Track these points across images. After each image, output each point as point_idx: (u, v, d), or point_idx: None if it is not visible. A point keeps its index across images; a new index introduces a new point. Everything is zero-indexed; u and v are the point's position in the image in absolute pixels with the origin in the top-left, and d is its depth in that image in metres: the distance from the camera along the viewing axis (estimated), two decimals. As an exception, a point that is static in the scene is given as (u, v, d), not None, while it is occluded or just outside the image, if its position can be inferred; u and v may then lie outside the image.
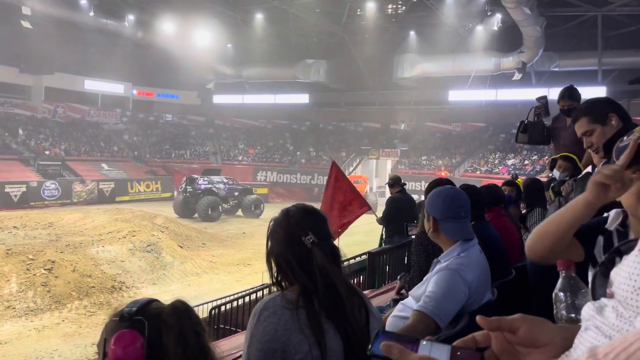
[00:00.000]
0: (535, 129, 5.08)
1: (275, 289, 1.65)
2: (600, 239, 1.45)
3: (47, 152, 32.61)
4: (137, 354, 1.22)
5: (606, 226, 1.46)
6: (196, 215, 25.80)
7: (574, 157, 4.34)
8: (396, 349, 0.83)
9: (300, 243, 1.57)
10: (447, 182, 3.27)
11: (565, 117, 4.86)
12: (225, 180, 28.07)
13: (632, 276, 0.86)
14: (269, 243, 1.64)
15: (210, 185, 26.83)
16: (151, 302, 1.32)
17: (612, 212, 1.48)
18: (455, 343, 0.87)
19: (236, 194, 28.03)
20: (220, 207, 26.36)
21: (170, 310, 1.30)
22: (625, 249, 1.01)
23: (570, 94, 4.75)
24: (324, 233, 1.61)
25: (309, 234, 1.57)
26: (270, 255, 1.63)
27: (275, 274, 1.62)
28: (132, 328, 1.23)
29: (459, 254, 2.31)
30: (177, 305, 1.31)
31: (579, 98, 4.77)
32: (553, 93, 5.32)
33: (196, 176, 27.90)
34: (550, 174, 4.50)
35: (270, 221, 1.68)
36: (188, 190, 26.41)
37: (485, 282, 2.36)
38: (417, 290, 2.38)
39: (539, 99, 5.11)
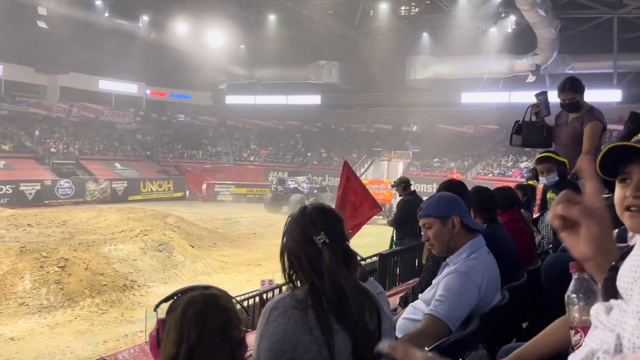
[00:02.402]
0: (532, 129, 4.61)
1: (287, 288, 1.66)
2: None
3: (52, 150, 32.83)
4: (153, 341, 1.39)
5: None
6: (283, 210, 27.70)
7: (551, 154, 3.96)
8: (402, 348, 0.88)
9: (312, 242, 1.56)
10: (458, 183, 3.25)
11: (568, 113, 4.45)
12: (307, 180, 31.58)
13: (633, 267, 0.90)
14: (284, 239, 1.65)
15: (296, 185, 30.28)
16: (186, 292, 1.42)
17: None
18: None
19: (315, 191, 30.70)
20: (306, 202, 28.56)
21: (182, 305, 1.37)
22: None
23: (571, 86, 4.31)
24: (337, 234, 1.61)
25: (320, 234, 1.57)
26: (283, 250, 1.63)
27: (288, 270, 1.62)
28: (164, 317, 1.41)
29: (467, 255, 2.30)
30: (192, 302, 1.36)
31: (582, 90, 4.34)
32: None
33: (285, 177, 32.24)
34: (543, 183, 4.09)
35: (288, 217, 1.69)
36: (279, 189, 29.89)
37: (495, 284, 2.35)
38: (427, 293, 2.38)
39: (537, 95, 4.65)
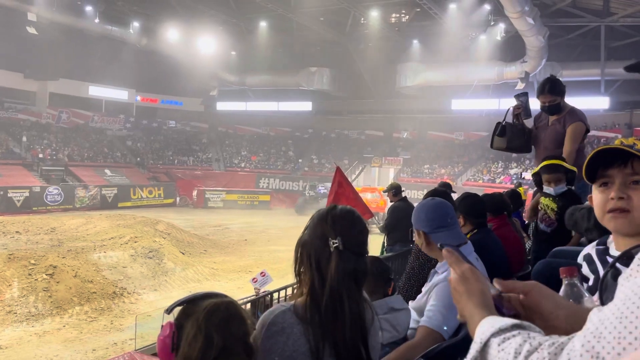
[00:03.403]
0: (514, 132, 4.32)
1: (292, 291, 1.63)
2: (584, 264, 1.51)
3: (40, 156, 32.57)
4: (166, 345, 1.38)
5: (583, 253, 1.53)
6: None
7: (559, 161, 3.57)
8: (454, 256, 0.98)
9: (326, 244, 1.51)
10: (443, 192, 3.27)
11: (548, 115, 4.24)
12: None
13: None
14: (305, 230, 1.60)
15: (326, 190, 31.95)
16: (202, 298, 1.43)
17: (587, 247, 1.55)
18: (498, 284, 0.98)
19: None
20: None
21: (206, 311, 1.39)
22: (636, 253, 1.02)
23: (551, 88, 4.09)
24: (355, 245, 1.54)
25: (336, 238, 1.50)
26: (300, 241, 1.58)
27: (298, 264, 1.57)
28: (176, 320, 1.41)
29: None
30: (215, 309, 1.39)
31: (562, 92, 4.13)
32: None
33: (316, 183, 34.41)
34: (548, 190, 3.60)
35: (317, 211, 1.63)
36: (311, 194, 32.66)
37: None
38: (418, 301, 2.39)
39: (518, 97, 4.38)
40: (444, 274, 2.27)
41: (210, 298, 1.43)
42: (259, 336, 1.46)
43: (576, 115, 4.10)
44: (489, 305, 0.91)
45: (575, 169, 3.61)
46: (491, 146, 4.47)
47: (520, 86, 30.10)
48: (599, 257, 1.42)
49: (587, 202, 1.45)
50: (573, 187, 3.60)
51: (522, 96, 4.35)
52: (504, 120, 4.35)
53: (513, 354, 0.73)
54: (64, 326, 11.78)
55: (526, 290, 0.95)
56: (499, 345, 0.77)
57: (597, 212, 1.22)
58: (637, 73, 1.02)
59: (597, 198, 1.20)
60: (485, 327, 0.81)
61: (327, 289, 1.47)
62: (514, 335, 0.76)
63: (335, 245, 1.49)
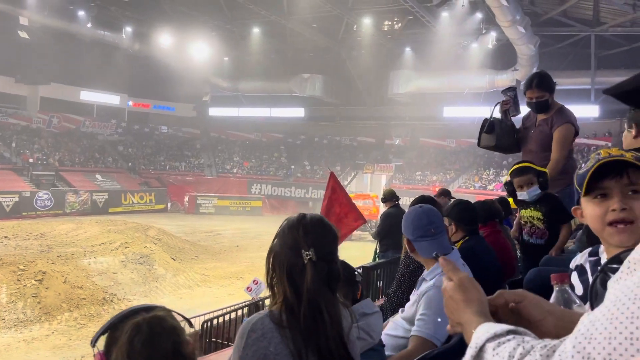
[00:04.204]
0: (503, 129, 3.98)
1: (267, 301, 1.61)
2: (574, 273, 1.49)
3: (30, 160, 32.31)
4: None
5: (575, 263, 1.51)
6: None
7: (529, 164, 3.35)
8: (451, 265, 1.03)
9: (299, 255, 1.49)
10: (429, 199, 3.28)
11: (535, 113, 3.90)
12: None
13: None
14: (275, 240, 1.57)
15: None
16: (126, 318, 1.33)
17: (577, 256, 1.53)
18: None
19: None
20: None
21: (127, 335, 1.28)
22: (625, 257, 1.03)
23: (539, 83, 3.77)
24: (327, 254, 1.52)
25: (309, 250, 1.48)
26: (270, 251, 1.55)
27: (270, 274, 1.55)
28: (105, 349, 1.31)
29: (442, 270, 2.31)
30: (137, 331, 1.29)
31: (552, 88, 3.81)
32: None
33: None
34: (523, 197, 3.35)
35: (285, 220, 1.60)
36: None
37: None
38: (408, 310, 2.38)
39: (506, 92, 4.08)
40: (433, 281, 2.27)
41: (133, 316, 1.32)
42: (240, 345, 1.44)
43: (564, 115, 3.78)
44: (486, 313, 0.93)
45: (546, 170, 3.42)
46: (478, 144, 4.17)
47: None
48: (591, 269, 1.41)
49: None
50: (550, 191, 3.41)
51: (510, 91, 4.08)
52: (491, 116, 4.03)
53: (507, 358, 0.75)
54: (53, 332, 11.68)
55: (517, 300, 0.97)
56: (493, 349, 0.78)
57: (596, 224, 1.18)
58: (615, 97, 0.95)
59: (594, 210, 1.16)
60: (481, 332, 0.83)
61: (305, 300, 1.45)
62: (508, 340, 0.78)
63: (309, 257, 1.48)
